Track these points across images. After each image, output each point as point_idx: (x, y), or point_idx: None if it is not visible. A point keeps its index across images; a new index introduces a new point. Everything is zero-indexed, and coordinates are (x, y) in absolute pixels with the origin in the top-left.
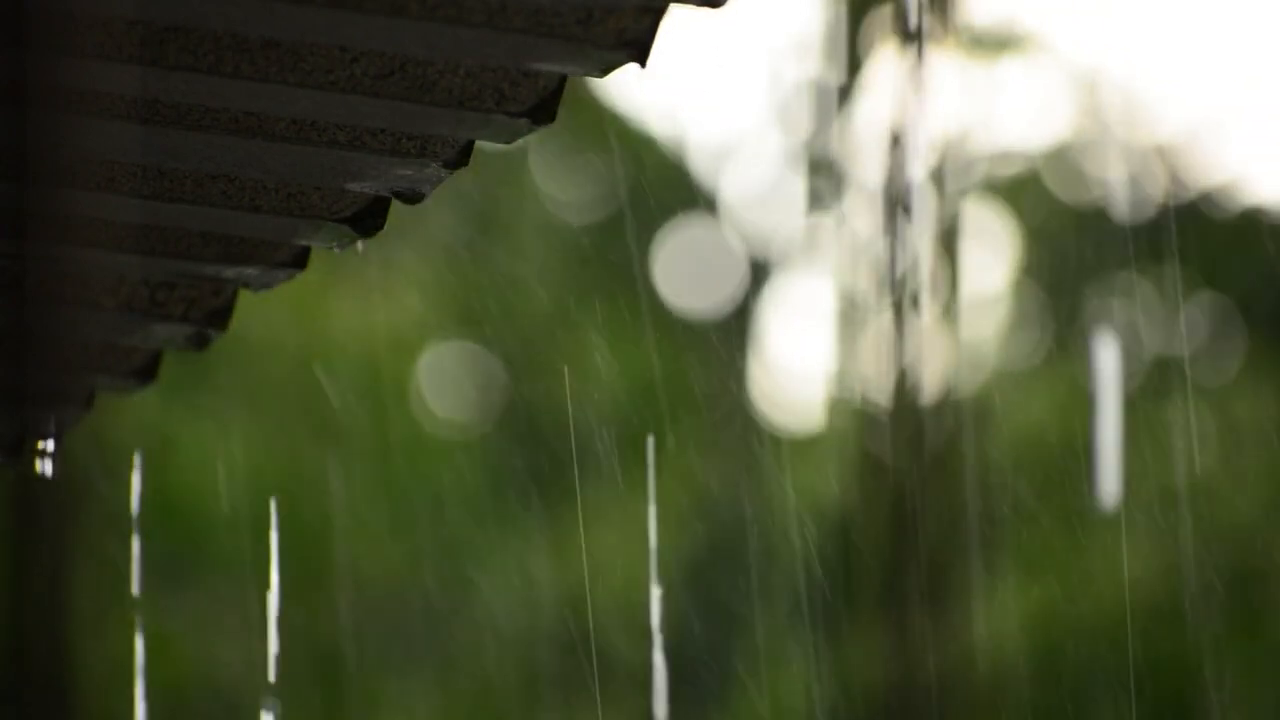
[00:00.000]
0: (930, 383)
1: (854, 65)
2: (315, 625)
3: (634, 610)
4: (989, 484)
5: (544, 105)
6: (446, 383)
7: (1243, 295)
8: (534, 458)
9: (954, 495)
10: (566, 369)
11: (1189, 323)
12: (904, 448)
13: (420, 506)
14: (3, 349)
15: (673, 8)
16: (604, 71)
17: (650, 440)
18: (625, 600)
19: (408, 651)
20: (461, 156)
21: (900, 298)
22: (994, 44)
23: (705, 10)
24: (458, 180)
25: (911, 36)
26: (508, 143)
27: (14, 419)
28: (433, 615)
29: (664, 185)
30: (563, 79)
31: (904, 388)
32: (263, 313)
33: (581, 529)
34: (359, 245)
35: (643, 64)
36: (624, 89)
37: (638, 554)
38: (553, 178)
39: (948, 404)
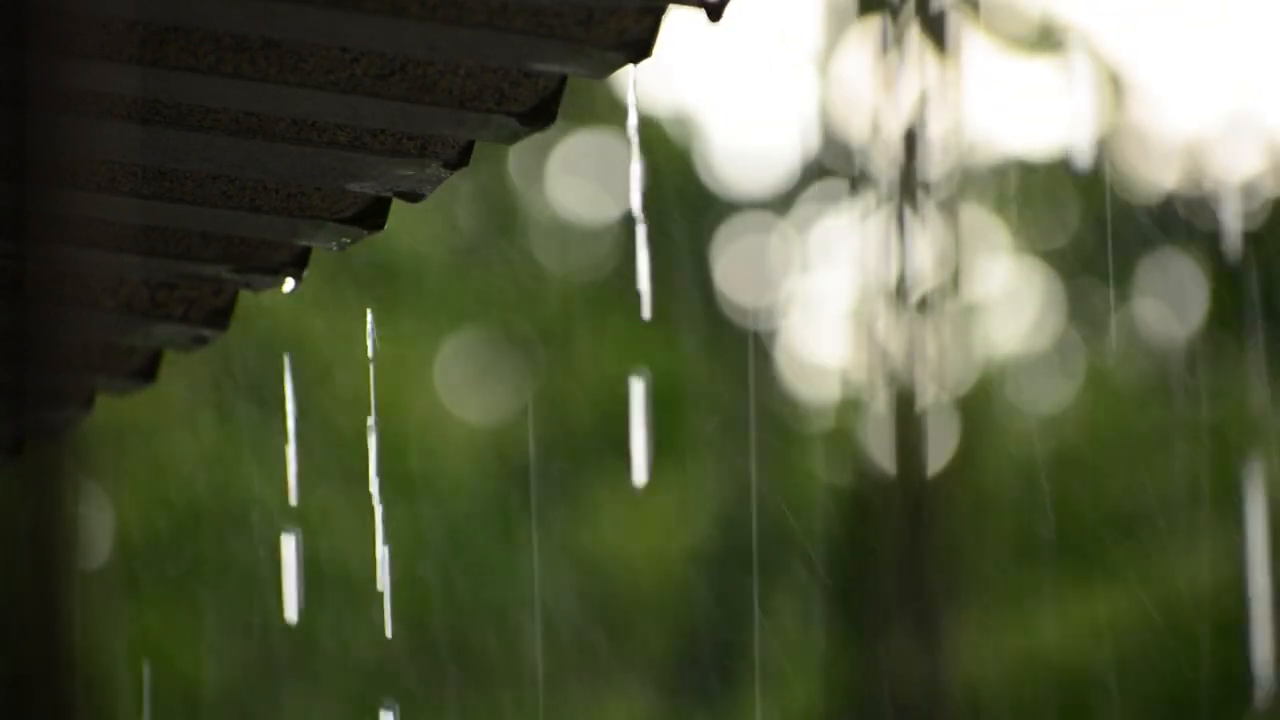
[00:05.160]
0: (938, 381)
1: (870, 61)
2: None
3: (655, 599)
4: (999, 484)
5: (544, 106)
6: (464, 375)
7: (1265, 291)
8: (551, 450)
9: (963, 497)
10: (582, 363)
11: (1208, 318)
12: (912, 447)
13: (437, 496)
14: (3, 349)
15: (672, 9)
16: (604, 72)
17: (660, 436)
18: (646, 589)
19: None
20: (462, 157)
21: (913, 296)
22: (1012, 41)
23: (704, 12)
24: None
25: (930, 32)
26: (508, 143)
27: (14, 419)
28: (455, 605)
29: (679, 184)
30: (563, 80)
31: (912, 386)
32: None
33: (597, 520)
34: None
35: (637, 63)
36: (637, 87)
37: (652, 546)
38: (569, 174)
39: (957, 402)
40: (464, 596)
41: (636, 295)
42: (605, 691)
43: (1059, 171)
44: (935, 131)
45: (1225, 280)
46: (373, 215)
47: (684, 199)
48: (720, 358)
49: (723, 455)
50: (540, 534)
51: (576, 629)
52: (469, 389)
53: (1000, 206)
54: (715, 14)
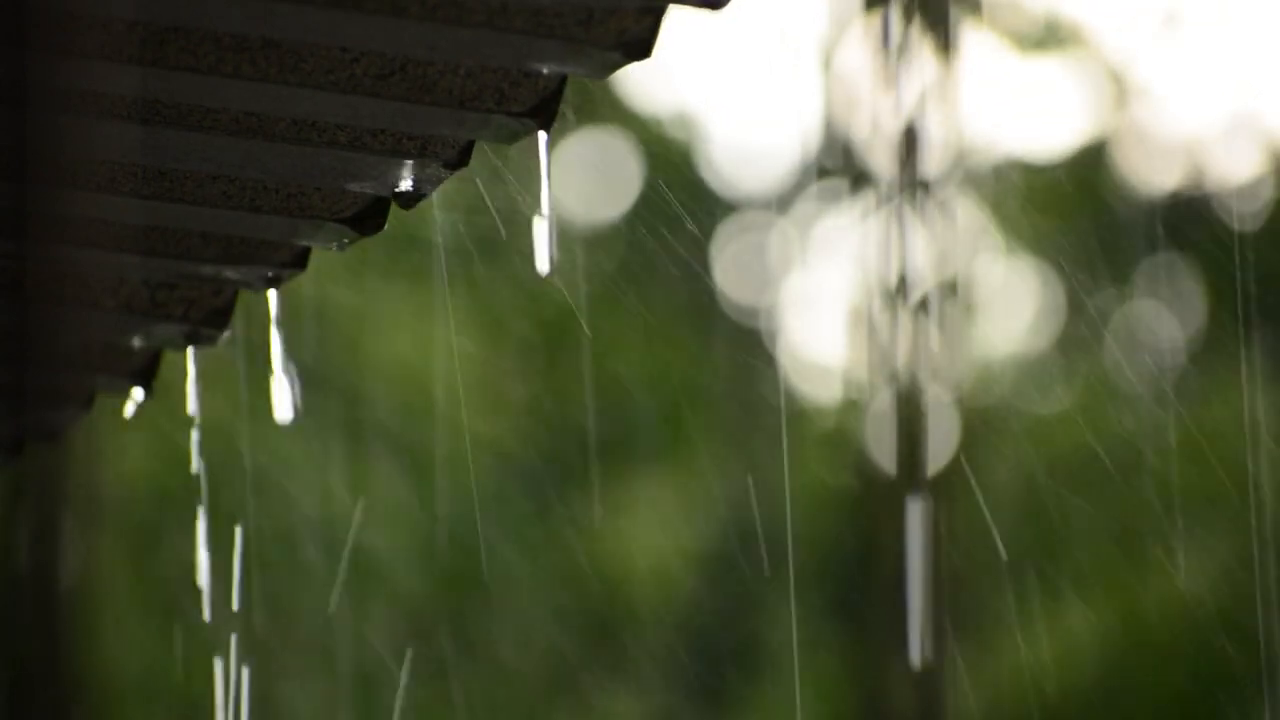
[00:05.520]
0: (939, 381)
1: (871, 58)
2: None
3: (659, 596)
4: (1002, 485)
5: (544, 106)
6: (463, 373)
7: (1266, 292)
8: (554, 447)
9: (964, 498)
10: (582, 363)
11: (1208, 319)
12: (913, 447)
13: (449, 497)
14: (3, 349)
15: (673, 8)
16: (605, 72)
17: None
18: (650, 586)
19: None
20: (462, 157)
21: (914, 296)
22: (1014, 39)
23: (705, 11)
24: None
25: (930, 31)
26: (508, 143)
27: (14, 419)
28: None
29: (679, 183)
30: (563, 80)
31: (913, 386)
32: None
33: (603, 517)
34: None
35: (640, 62)
36: (636, 87)
37: (659, 543)
38: (568, 175)
39: (958, 402)
40: (460, 593)
41: (632, 297)
42: (602, 692)
43: (1060, 171)
44: (935, 130)
45: (1226, 281)
46: (373, 215)
47: (684, 198)
48: (720, 357)
49: (722, 455)
50: (540, 534)
51: (574, 630)
52: (467, 386)
53: (1001, 206)
54: (717, 4)
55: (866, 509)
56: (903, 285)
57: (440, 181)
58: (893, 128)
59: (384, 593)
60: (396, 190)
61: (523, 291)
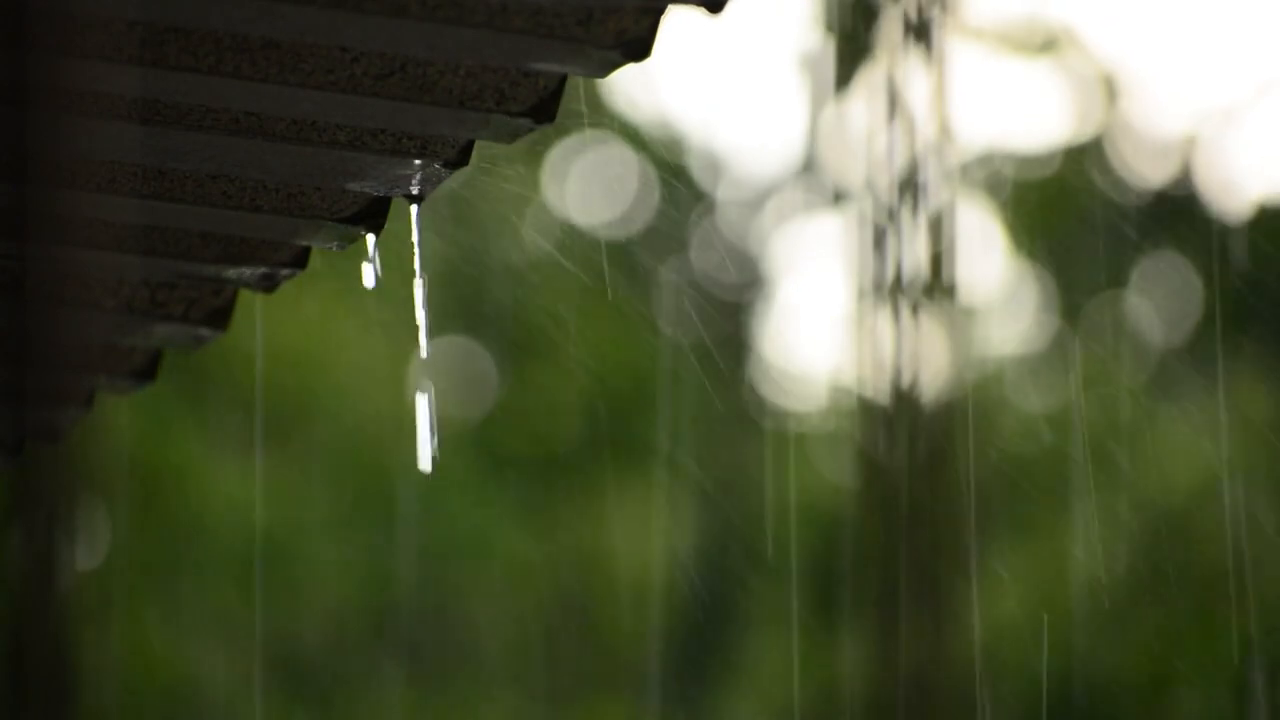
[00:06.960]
0: (931, 380)
1: (859, 60)
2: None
3: (638, 597)
4: (992, 481)
5: (544, 105)
6: (452, 374)
7: (1252, 290)
8: (537, 448)
9: (954, 493)
10: (570, 361)
11: (1197, 316)
12: (902, 446)
13: (418, 494)
14: (3, 349)
15: (672, 9)
16: (604, 72)
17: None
18: (630, 586)
19: (404, 642)
20: (461, 156)
21: (902, 295)
22: (1003, 39)
23: (705, 12)
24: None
25: (919, 32)
26: (508, 143)
27: (14, 419)
28: (426, 606)
29: (670, 184)
30: (563, 79)
31: (904, 385)
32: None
33: (587, 517)
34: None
35: (639, 62)
36: (626, 90)
37: (642, 543)
38: (560, 179)
39: (950, 401)
40: (444, 593)
41: (623, 298)
42: (598, 692)
43: (1053, 171)
44: (929, 132)
45: (1219, 278)
46: (373, 215)
47: (675, 199)
48: (713, 358)
49: (717, 456)
50: (529, 533)
51: (573, 625)
52: (456, 388)
53: (995, 207)
54: (716, 7)
55: (860, 508)
56: (897, 286)
57: (440, 181)
58: (887, 129)
59: None
60: (396, 190)
61: (512, 290)
